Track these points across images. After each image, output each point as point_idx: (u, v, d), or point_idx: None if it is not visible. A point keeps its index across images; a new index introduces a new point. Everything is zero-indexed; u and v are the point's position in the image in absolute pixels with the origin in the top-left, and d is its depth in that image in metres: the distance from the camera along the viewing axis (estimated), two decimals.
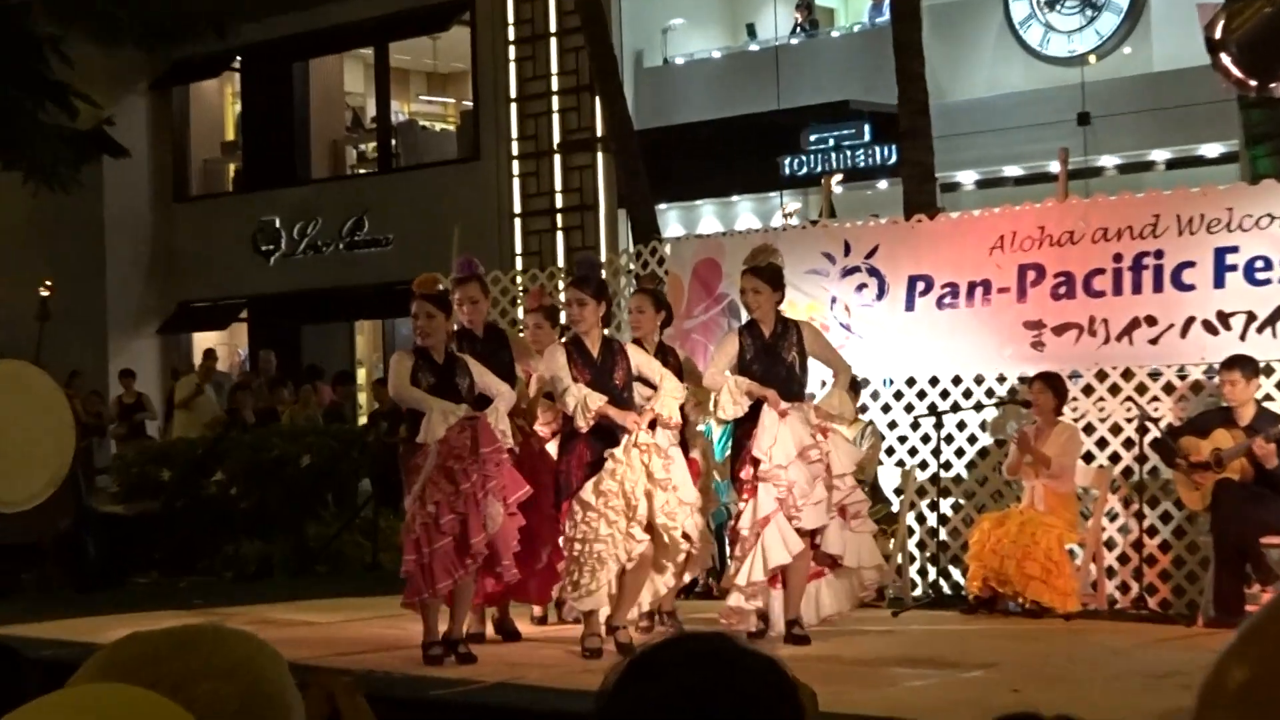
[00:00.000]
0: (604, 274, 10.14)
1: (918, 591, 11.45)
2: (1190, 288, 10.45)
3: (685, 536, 8.98)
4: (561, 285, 13.19)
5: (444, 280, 9.56)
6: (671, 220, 21.15)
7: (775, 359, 9.20)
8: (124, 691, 1.49)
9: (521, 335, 10.50)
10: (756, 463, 8.99)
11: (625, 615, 8.90)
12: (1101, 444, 10.87)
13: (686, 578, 9.81)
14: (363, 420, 20.31)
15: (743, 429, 9.20)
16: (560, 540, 9.02)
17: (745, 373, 9.17)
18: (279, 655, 1.70)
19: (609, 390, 8.85)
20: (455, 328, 9.43)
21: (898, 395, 11.98)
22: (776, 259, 9.36)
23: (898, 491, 11.56)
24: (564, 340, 9.48)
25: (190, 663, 1.62)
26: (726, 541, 11.42)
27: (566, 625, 9.87)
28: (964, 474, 11.65)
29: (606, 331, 9.31)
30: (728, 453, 11.23)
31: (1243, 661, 1.23)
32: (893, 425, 11.98)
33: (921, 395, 11.77)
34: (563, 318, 10.89)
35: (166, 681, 1.58)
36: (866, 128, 19.68)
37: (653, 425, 8.96)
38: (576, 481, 8.77)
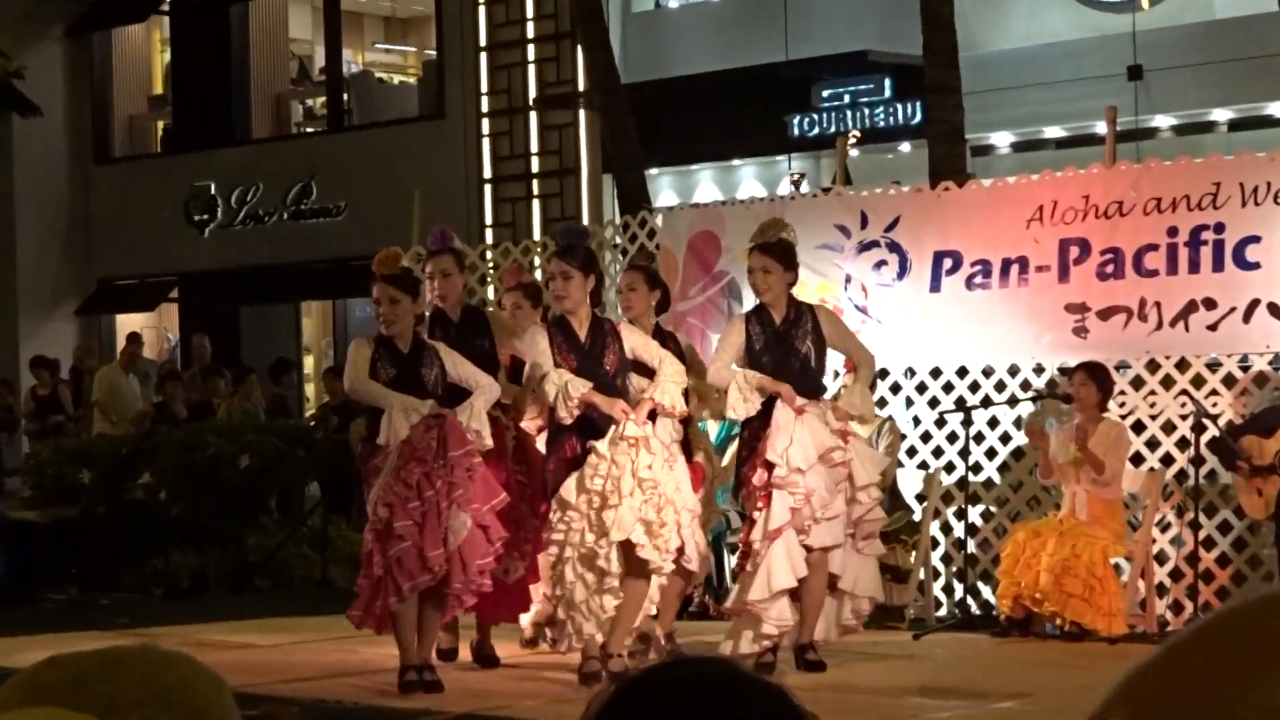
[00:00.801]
0: (592, 244, 10.09)
1: (942, 611, 11.49)
2: (1255, 266, 10.49)
3: (680, 551, 8.96)
4: (538, 261, 13.20)
5: (406, 257, 9.58)
6: (664, 187, 21.15)
7: (788, 349, 9.20)
8: (53, 716, 1.51)
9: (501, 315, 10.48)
10: (770, 467, 8.98)
11: (621, 641, 8.91)
12: (1152, 444, 10.91)
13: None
14: (311, 415, 20.30)
15: (751, 429, 9.20)
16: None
17: (754, 366, 9.18)
18: (221, 680, 1.72)
19: (597, 377, 8.84)
20: (427, 311, 9.45)
21: (920, 388, 12.00)
22: (789, 234, 9.37)
23: (920, 498, 11.59)
24: (546, 321, 9.48)
25: (120, 687, 1.64)
26: (726, 555, 11.47)
27: (556, 653, 9.94)
28: (995, 478, 11.69)
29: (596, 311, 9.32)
30: (729, 452, 11.29)
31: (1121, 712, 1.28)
32: (915, 422, 12.01)
33: (948, 388, 11.79)
34: (546, 300, 10.91)
35: (92, 709, 1.59)
36: (887, 82, 19.68)
37: (653, 417, 8.96)
38: (559, 481, 8.78)
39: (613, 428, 8.75)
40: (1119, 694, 1.28)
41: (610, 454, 8.70)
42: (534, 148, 21.89)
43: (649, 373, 9.11)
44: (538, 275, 12.83)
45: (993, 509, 11.68)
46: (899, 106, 19.54)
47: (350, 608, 8.93)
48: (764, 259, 9.27)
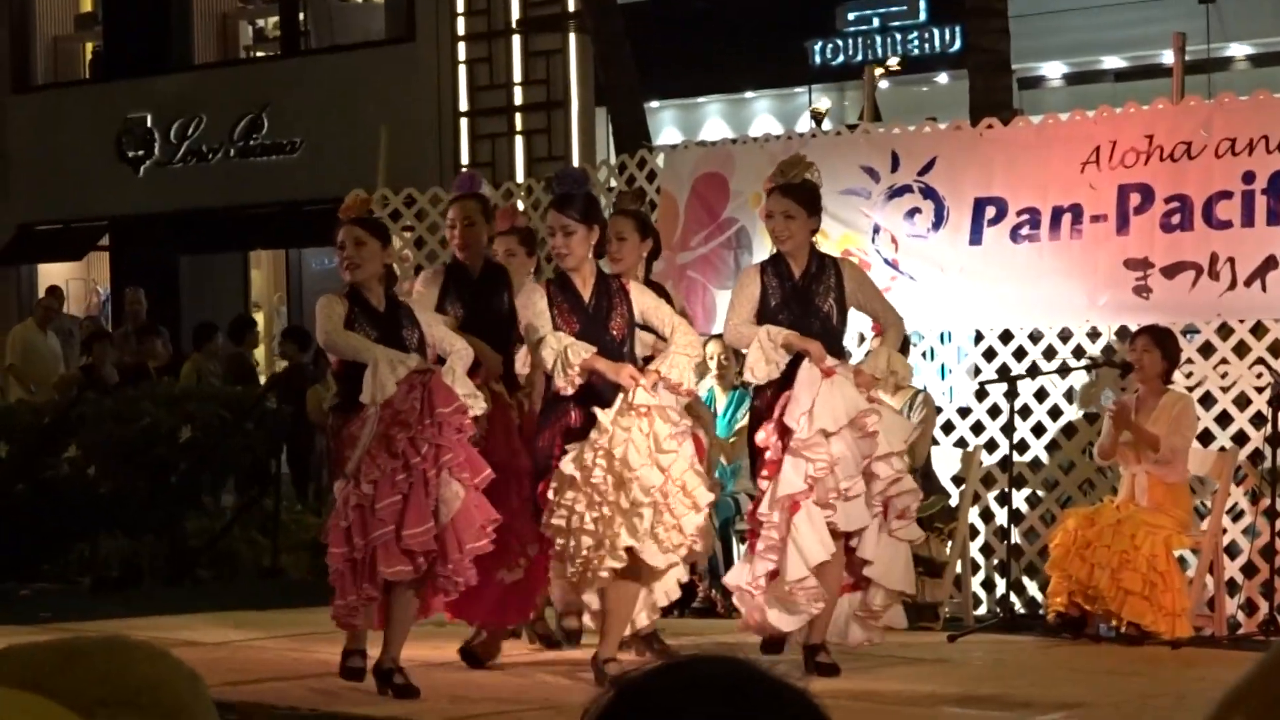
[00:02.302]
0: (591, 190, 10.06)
1: (982, 609, 11.52)
2: None
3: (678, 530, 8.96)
4: (521, 206, 13.19)
5: (374, 202, 9.61)
6: (666, 122, 21.13)
7: (807, 306, 9.20)
8: (27, 701, 1.51)
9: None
10: (787, 433, 8.96)
11: (614, 646, 8.92)
12: (1223, 420, 10.91)
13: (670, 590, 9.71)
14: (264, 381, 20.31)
15: (762, 396, 9.20)
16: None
17: (769, 322, 9.19)
18: (197, 676, 1.72)
19: (602, 343, 8.83)
20: (445, 261, 9.50)
21: (958, 355, 12.00)
22: (813, 174, 9.37)
23: (957, 480, 11.61)
24: (546, 279, 9.47)
25: (82, 683, 1.63)
26: (735, 543, 11.50)
27: (545, 649, 9.96)
28: (1043, 458, 11.70)
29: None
30: (739, 425, 11.30)
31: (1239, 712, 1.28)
32: (951, 394, 12.01)
33: (989, 355, 11.80)
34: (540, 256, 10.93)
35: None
36: (922, 4, 19.67)
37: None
38: (557, 456, 8.77)
39: (620, 396, 8.74)
40: (1237, 695, 1.28)
41: (619, 424, 8.68)
42: (517, 76, 21.87)
43: (658, 338, 9.10)
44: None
45: (1040, 493, 11.69)
46: (935, 31, 19.52)
47: (333, 601, 8.91)
48: (785, 202, 9.26)
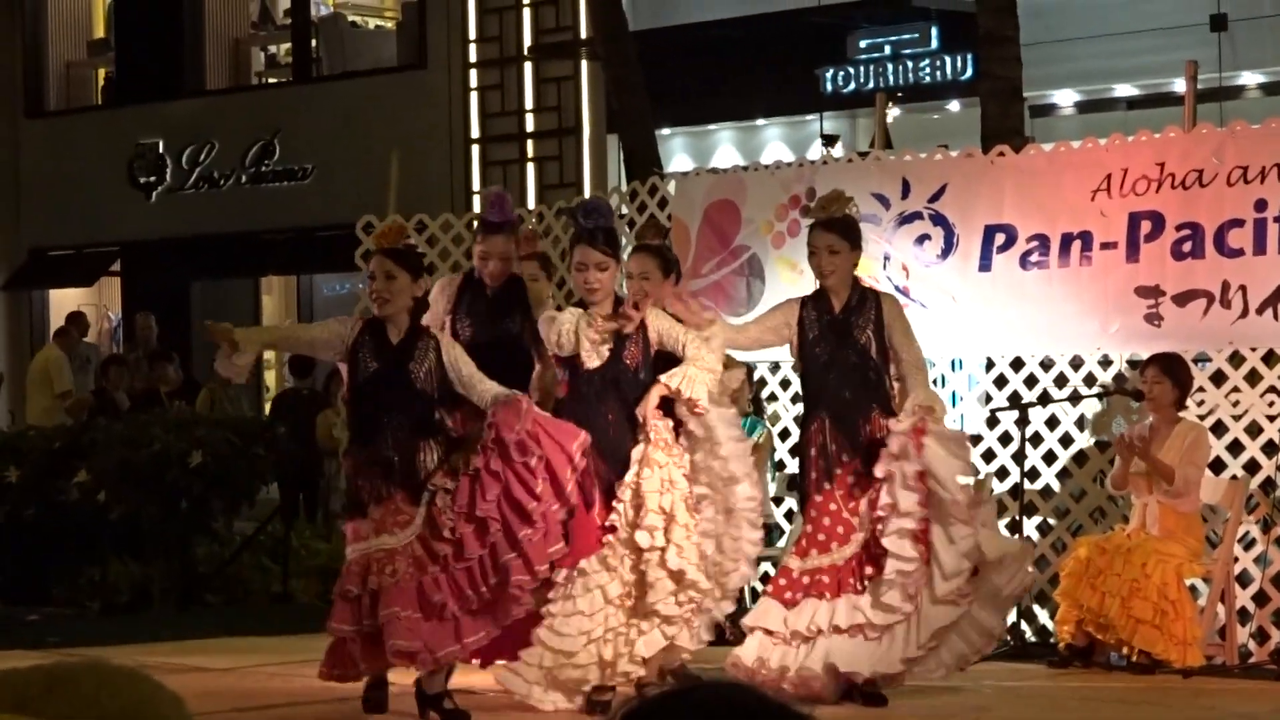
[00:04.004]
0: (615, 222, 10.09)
1: None
2: None
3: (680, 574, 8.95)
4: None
5: (411, 230, 9.62)
6: (677, 149, 21.15)
7: (844, 339, 9.28)
8: None
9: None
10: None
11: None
12: (1235, 448, 10.89)
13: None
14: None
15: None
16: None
17: (807, 357, 9.36)
18: (181, 700, 1.72)
19: (618, 373, 8.85)
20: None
21: (970, 382, 11.98)
22: (852, 209, 9.46)
23: None
24: (561, 309, 9.48)
25: (67, 706, 1.64)
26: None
27: None
28: (1054, 485, 11.68)
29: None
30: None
31: None
32: (962, 421, 11.99)
33: (1000, 383, 11.78)
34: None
35: None
36: (933, 31, 19.67)
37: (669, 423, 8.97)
38: (581, 525, 8.75)
39: (640, 454, 8.78)
40: None
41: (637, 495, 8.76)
42: (529, 103, 21.87)
43: (676, 363, 9.07)
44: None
45: (1051, 521, 11.66)
46: (947, 59, 19.53)
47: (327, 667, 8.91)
48: (829, 237, 9.34)
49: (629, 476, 8.75)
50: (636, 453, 8.79)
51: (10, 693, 1.65)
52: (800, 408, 12.28)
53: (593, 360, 8.89)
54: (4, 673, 1.68)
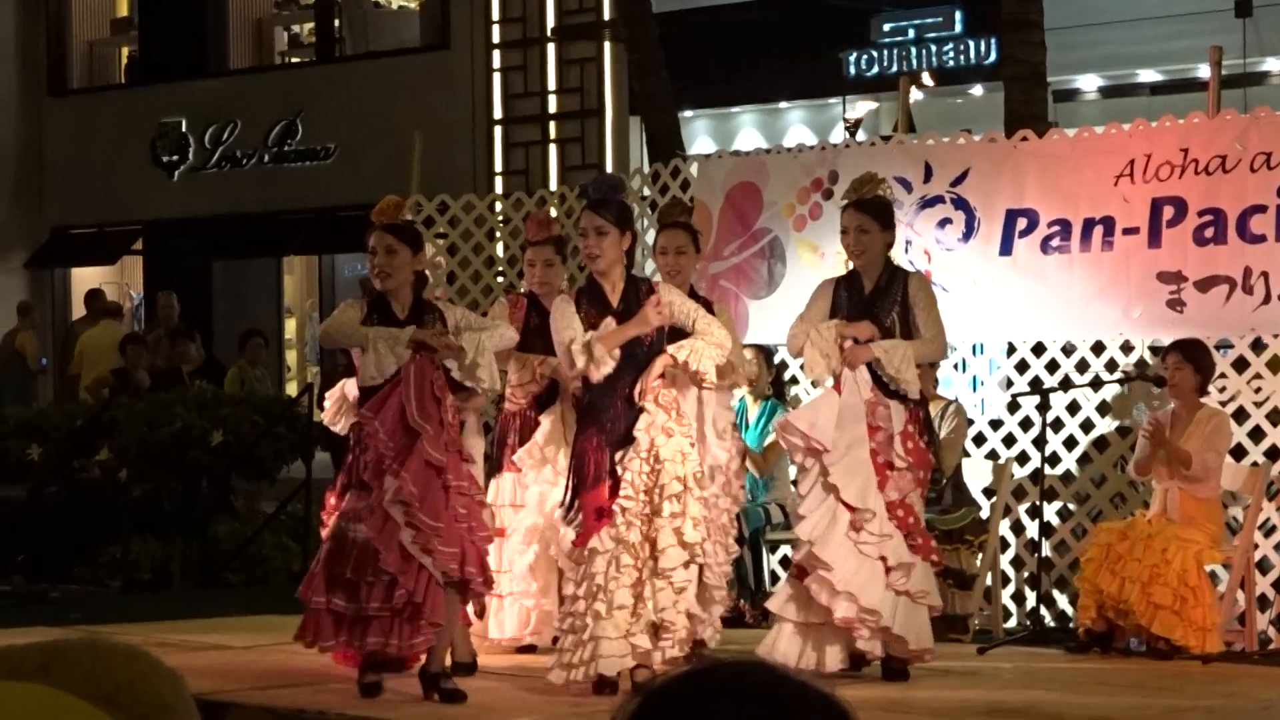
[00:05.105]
0: (626, 198, 10.06)
1: (1012, 622, 11.49)
2: None
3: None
4: (554, 214, 13.19)
5: (408, 207, 9.61)
6: (699, 132, 21.13)
7: (872, 320, 9.26)
8: (37, 693, 1.52)
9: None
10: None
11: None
12: (1256, 435, 10.88)
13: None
14: (292, 390, 20.36)
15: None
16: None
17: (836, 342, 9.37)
18: (178, 677, 1.72)
19: (633, 350, 8.84)
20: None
21: (991, 367, 11.97)
22: (885, 190, 9.48)
23: (988, 492, 11.59)
24: (576, 288, 9.46)
25: (62, 682, 1.64)
26: (765, 553, 11.54)
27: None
28: (1075, 471, 11.68)
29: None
30: (770, 439, 11.30)
31: None
32: (983, 406, 11.98)
33: (1022, 367, 11.78)
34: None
35: None
36: (958, 15, 19.64)
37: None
38: (588, 507, 8.76)
39: (641, 423, 8.75)
40: None
41: (645, 466, 8.74)
42: (551, 85, 21.88)
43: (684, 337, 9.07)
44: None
45: (1071, 506, 11.66)
46: (971, 43, 19.50)
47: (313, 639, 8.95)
48: (859, 217, 9.36)
49: (642, 442, 8.70)
50: (644, 420, 8.73)
51: (5, 667, 1.66)
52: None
53: (599, 375, 8.87)
54: (3, 649, 1.69)
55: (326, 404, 9.66)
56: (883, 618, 9.05)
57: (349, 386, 9.38)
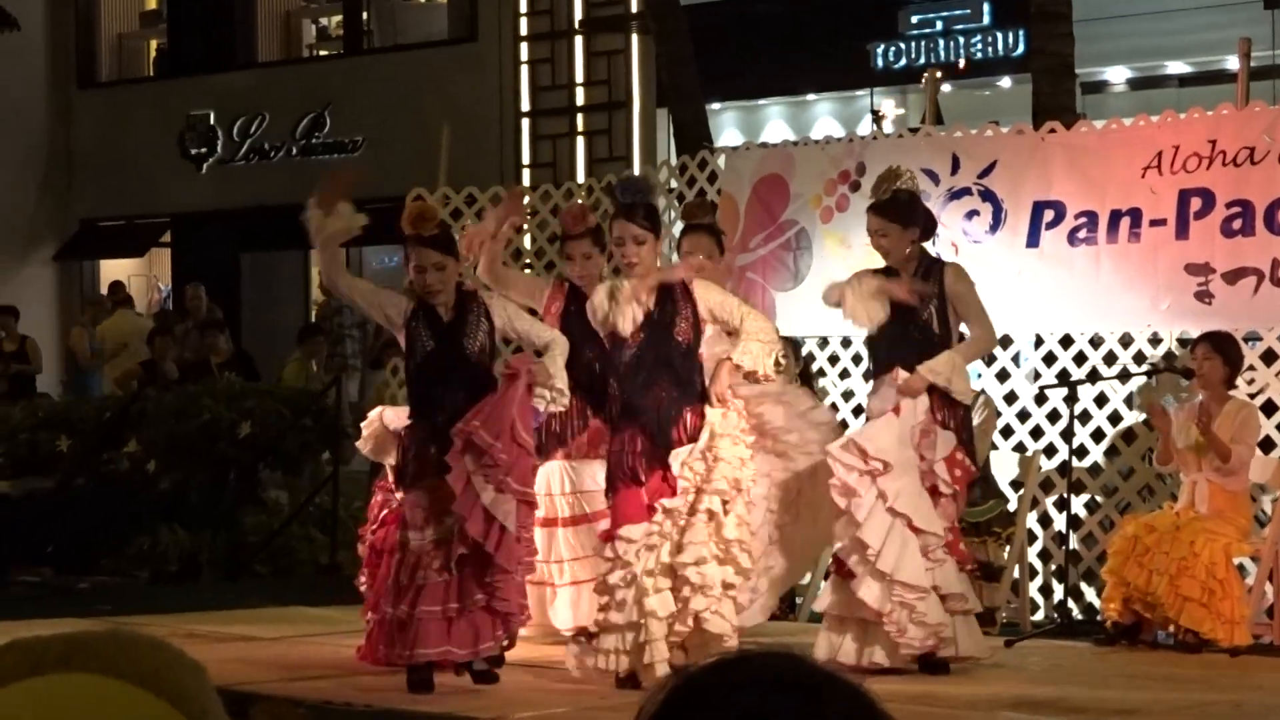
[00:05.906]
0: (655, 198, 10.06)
1: (1039, 615, 11.47)
2: None
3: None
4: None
5: (441, 209, 9.60)
6: (727, 124, 21.12)
7: (908, 315, 9.23)
8: (94, 684, 1.52)
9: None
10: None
11: None
12: None
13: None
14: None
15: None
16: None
17: (873, 335, 9.37)
18: (201, 667, 1.72)
19: (667, 349, 8.81)
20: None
21: (1017, 359, 11.96)
22: (906, 183, 9.43)
23: (1016, 485, 11.58)
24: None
25: (84, 673, 1.64)
26: None
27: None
28: (1102, 463, 11.66)
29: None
30: None
31: None
32: (1011, 398, 11.97)
33: (1049, 360, 11.76)
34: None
35: None
36: (986, 7, 19.60)
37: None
38: (627, 497, 8.77)
39: (715, 420, 8.75)
40: None
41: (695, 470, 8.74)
42: (579, 77, 21.88)
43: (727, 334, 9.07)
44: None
45: (1099, 499, 11.64)
46: (999, 35, 19.46)
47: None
48: (878, 220, 9.34)
49: (701, 443, 8.70)
50: (714, 417, 8.74)
51: (28, 658, 1.66)
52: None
53: (627, 325, 8.82)
54: (24, 640, 1.69)
55: (364, 430, 9.63)
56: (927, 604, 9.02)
57: (388, 415, 9.39)
